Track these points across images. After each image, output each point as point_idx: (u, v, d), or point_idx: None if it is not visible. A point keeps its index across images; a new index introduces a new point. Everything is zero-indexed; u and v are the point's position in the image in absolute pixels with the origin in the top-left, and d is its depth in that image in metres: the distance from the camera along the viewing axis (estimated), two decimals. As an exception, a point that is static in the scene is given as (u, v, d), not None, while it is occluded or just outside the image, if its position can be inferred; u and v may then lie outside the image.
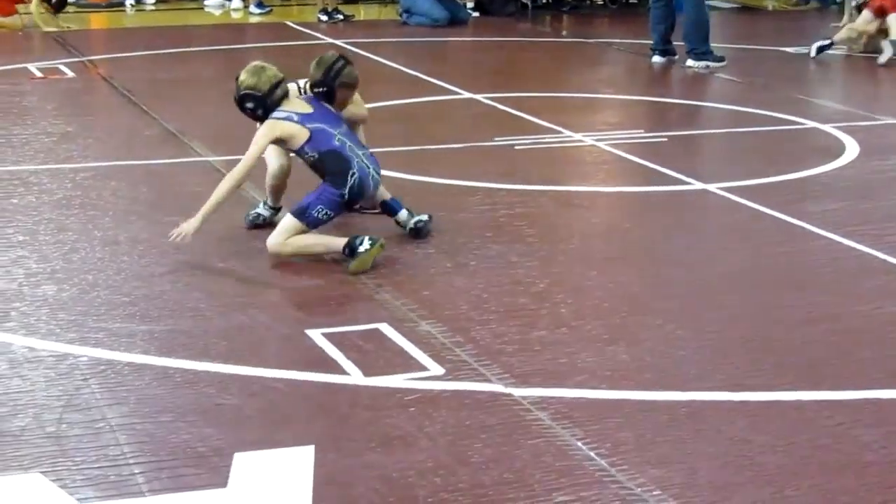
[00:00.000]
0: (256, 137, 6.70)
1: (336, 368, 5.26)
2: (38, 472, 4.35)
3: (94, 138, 9.67)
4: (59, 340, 5.56)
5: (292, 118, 6.67)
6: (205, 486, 4.28)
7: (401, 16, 16.92)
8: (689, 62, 13.11)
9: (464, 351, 5.45)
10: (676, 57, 13.45)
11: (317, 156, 6.66)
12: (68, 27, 16.01)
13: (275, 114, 6.69)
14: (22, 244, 6.93)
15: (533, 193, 8.08)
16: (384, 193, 7.06)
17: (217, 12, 18.27)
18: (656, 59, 13.51)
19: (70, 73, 12.61)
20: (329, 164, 6.65)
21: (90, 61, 13.50)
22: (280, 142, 6.73)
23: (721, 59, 13.13)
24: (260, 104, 6.72)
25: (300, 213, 6.58)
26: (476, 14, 17.64)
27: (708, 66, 13.02)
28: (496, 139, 9.60)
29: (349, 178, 6.61)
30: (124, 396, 5.00)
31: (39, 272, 6.47)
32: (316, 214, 6.59)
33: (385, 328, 5.70)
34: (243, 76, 6.77)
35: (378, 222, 7.13)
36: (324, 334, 5.61)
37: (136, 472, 4.37)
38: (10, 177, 8.37)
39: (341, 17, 17.13)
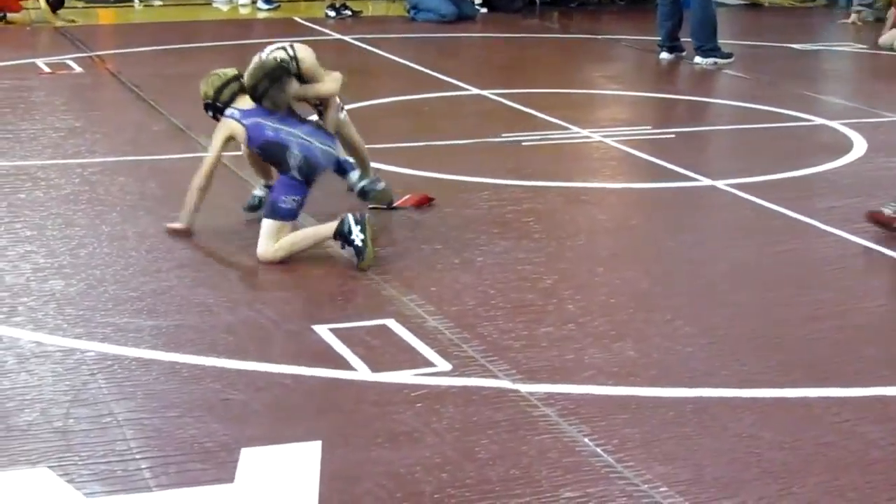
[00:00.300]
0: (211, 143, 6.86)
1: (343, 364, 5.27)
2: (45, 467, 4.36)
3: (102, 133, 9.68)
4: (67, 335, 5.57)
5: (234, 115, 6.80)
6: (211, 482, 4.28)
7: (408, 12, 16.92)
8: (697, 59, 13.10)
9: (471, 347, 5.46)
10: (684, 53, 13.44)
11: (258, 150, 6.80)
12: (72, 20, 16.01)
13: (225, 112, 6.85)
14: (30, 239, 6.94)
15: (540, 189, 8.08)
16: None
17: (225, 8, 18.28)
18: (664, 55, 13.51)
19: (78, 69, 12.62)
20: (270, 154, 6.75)
21: (98, 56, 13.51)
22: (231, 140, 6.84)
23: (729, 56, 13.12)
24: (212, 108, 6.94)
25: (272, 212, 6.61)
26: (484, 10, 17.63)
27: (716, 63, 13.01)
28: (504, 135, 9.60)
29: (290, 159, 6.64)
30: (131, 391, 5.00)
31: (47, 267, 6.48)
32: (284, 206, 6.60)
33: (392, 324, 5.70)
34: (200, 86, 6.98)
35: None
36: (331, 330, 5.61)
37: (143, 467, 4.38)
38: (18, 172, 8.38)
39: (349, 12, 17.14)
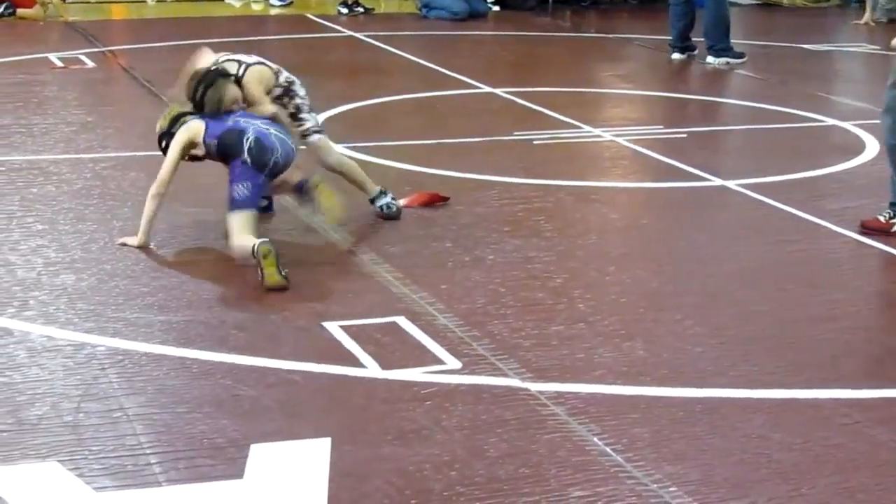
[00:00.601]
0: (170, 148, 6.69)
1: (353, 361, 5.27)
2: (55, 461, 4.37)
3: (114, 128, 9.69)
4: (78, 330, 5.58)
5: (194, 118, 6.68)
6: (221, 477, 4.29)
7: (420, 10, 16.91)
8: (709, 59, 13.07)
9: (481, 345, 5.46)
10: (696, 53, 13.42)
11: (216, 141, 6.60)
12: (59, 16, 15.98)
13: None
14: (41, 233, 6.95)
15: (551, 188, 8.08)
16: (292, 178, 6.91)
17: (237, 4, 18.27)
18: (675, 55, 13.48)
19: (90, 64, 12.64)
20: (227, 142, 6.57)
21: (111, 51, 13.53)
22: (192, 146, 6.66)
23: (741, 56, 13.10)
24: (168, 137, 6.76)
25: (230, 204, 6.49)
26: (496, 8, 17.62)
27: (728, 63, 12.99)
28: (515, 133, 9.60)
29: (244, 141, 6.52)
30: (141, 386, 5.01)
31: (58, 261, 6.49)
32: (238, 195, 6.47)
33: (402, 321, 5.71)
34: (157, 125, 6.87)
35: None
36: (341, 327, 5.62)
37: (153, 462, 4.39)
38: (30, 166, 8.40)
39: (361, 9, 17.14)
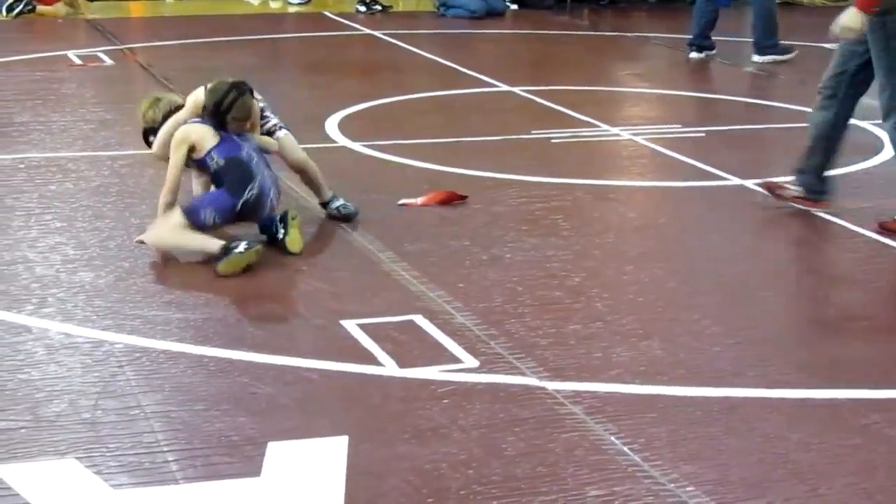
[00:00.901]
0: (171, 149, 6.57)
1: (370, 359, 5.28)
2: (73, 458, 4.38)
3: (133, 126, 9.65)
4: (96, 327, 5.60)
5: (206, 122, 6.56)
6: (238, 475, 4.30)
7: (438, 8, 16.91)
8: (755, 57, 12.97)
9: (498, 344, 5.46)
10: (715, 52, 13.38)
11: (222, 162, 6.49)
12: (80, 14, 16.02)
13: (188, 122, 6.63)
14: (59, 231, 6.97)
15: (569, 187, 8.07)
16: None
17: (255, 2, 18.29)
18: (693, 54, 13.43)
19: (109, 61, 12.66)
20: (231, 172, 6.48)
21: (129, 49, 13.55)
22: (193, 150, 6.53)
23: (788, 51, 13.02)
24: (155, 133, 6.76)
25: (189, 212, 6.43)
26: (513, 6, 17.61)
27: (773, 60, 12.89)
28: (533, 132, 9.60)
29: (247, 190, 6.45)
30: (159, 384, 5.02)
31: (77, 259, 6.51)
32: (203, 217, 6.43)
33: (420, 320, 5.71)
34: (143, 107, 6.87)
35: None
36: (358, 325, 5.62)
37: (170, 459, 4.40)
38: (49, 163, 8.41)
39: (379, 7, 17.13)
